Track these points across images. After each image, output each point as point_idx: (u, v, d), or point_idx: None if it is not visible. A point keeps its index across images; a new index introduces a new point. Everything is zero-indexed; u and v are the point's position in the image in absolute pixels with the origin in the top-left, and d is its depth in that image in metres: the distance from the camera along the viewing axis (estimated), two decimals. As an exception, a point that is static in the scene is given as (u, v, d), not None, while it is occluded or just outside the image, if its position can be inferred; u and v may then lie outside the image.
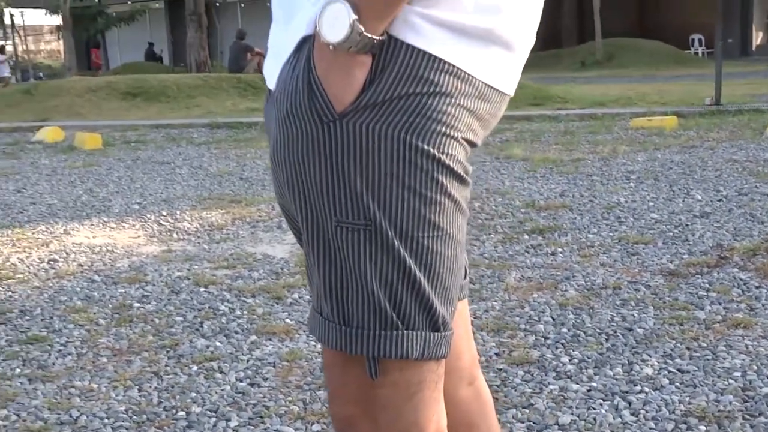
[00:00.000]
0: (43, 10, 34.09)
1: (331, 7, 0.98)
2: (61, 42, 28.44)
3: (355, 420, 1.12)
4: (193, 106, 13.32)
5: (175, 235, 4.91)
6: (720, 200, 5.14)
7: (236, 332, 3.19)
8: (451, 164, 1.03)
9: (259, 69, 18.39)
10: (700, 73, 17.74)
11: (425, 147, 1.01)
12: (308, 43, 1.03)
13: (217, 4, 30.59)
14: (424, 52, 1.01)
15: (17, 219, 5.54)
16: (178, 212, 5.59)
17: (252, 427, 2.39)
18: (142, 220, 5.37)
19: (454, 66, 1.02)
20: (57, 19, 30.46)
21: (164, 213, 5.57)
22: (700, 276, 3.64)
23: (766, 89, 13.49)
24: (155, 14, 38.21)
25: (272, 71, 1.13)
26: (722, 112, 9.85)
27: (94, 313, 3.47)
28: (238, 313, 3.42)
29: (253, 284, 3.81)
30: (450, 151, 1.03)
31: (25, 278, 4.05)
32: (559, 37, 32.22)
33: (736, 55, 28.75)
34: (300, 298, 3.58)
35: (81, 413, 2.52)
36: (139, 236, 4.93)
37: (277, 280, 3.86)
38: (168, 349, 3.04)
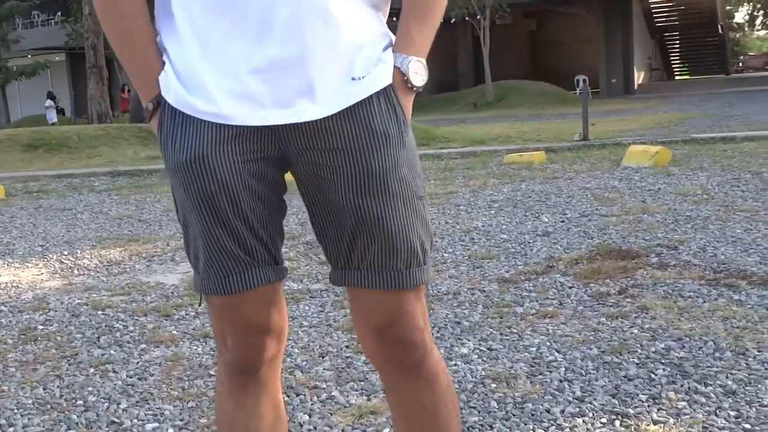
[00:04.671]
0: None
1: (413, 64, 1.47)
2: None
3: (422, 337, 1.57)
4: (94, 156, 13.68)
5: (76, 271, 5.39)
6: (563, 221, 5.88)
7: (129, 342, 3.72)
8: None
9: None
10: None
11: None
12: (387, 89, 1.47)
13: (118, 57, 30.76)
14: None
15: (-75, 263, 5.92)
16: (78, 252, 6.05)
17: (139, 407, 2.93)
18: (45, 260, 5.82)
19: None
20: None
21: (66, 253, 6.03)
22: (528, 281, 4.32)
23: (636, 125, 14.58)
24: (57, 67, 38.18)
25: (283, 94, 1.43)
26: (588, 147, 10.76)
27: (2, 335, 3.94)
28: (131, 328, 3.94)
29: (145, 306, 4.34)
30: None
31: (-63, 311, 4.48)
32: (456, 81, 33.50)
33: (620, 94, 30.41)
34: (186, 314, 4.12)
35: (-6, 407, 3.02)
36: (42, 273, 5.39)
37: (167, 302, 4.39)
38: (69, 359, 3.54)
